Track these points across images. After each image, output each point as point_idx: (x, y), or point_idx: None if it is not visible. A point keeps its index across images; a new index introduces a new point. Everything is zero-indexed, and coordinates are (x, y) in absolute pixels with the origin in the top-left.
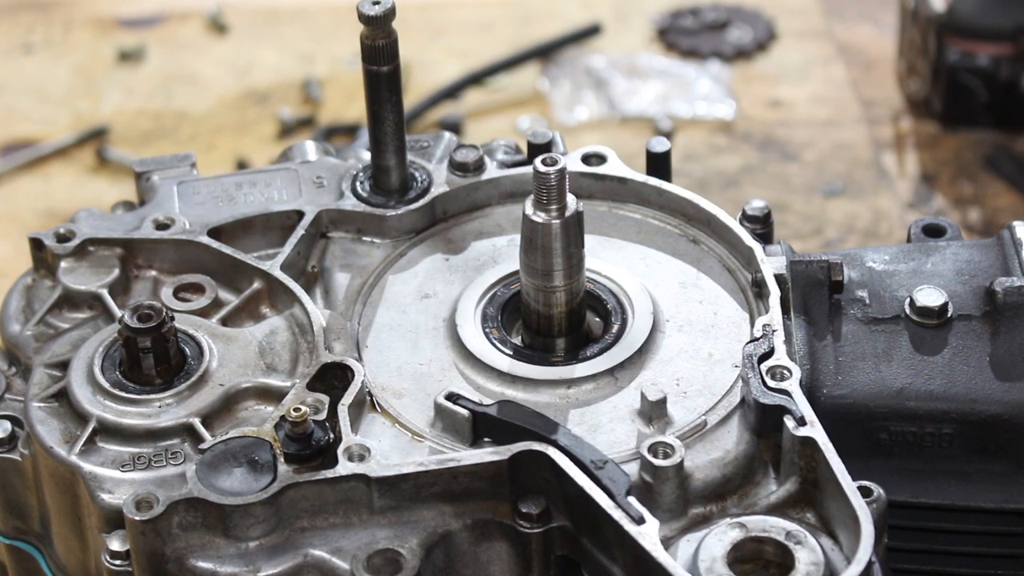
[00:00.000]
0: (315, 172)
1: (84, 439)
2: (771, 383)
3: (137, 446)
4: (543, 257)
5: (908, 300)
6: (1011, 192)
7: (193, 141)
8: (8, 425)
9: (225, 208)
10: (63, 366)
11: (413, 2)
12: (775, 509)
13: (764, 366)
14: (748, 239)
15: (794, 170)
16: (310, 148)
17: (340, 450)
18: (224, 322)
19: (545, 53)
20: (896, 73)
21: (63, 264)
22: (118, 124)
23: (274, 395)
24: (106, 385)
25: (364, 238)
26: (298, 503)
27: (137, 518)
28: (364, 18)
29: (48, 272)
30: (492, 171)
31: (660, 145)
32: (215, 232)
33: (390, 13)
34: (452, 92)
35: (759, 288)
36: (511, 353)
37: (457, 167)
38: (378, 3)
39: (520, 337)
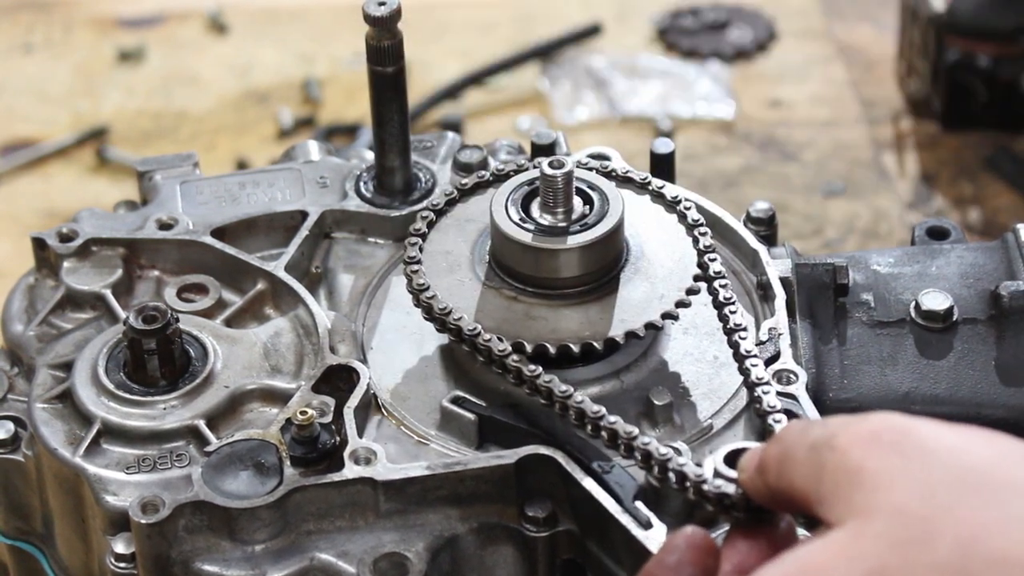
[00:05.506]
0: (318, 172)
1: (88, 441)
2: (777, 386)
3: (142, 448)
4: None
5: (913, 303)
6: (1011, 192)
7: (193, 141)
8: (11, 426)
9: (228, 208)
10: (67, 367)
11: (413, 2)
12: None
13: (770, 369)
14: (753, 241)
15: (794, 170)
16: (313, 148)
17: (346, 453)
18: (228, 323)
19: (545, 53)
20: (896, 73)
21: (66, 264)
22: (118, 124)
23: (279, 397)
24: (110, 386)
25: (368, 239)
26: (304, 506)
27: (143, 521)
28: (370, 19)
29: (51, 272)
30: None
31: (664, 146)
32: (218, 232)
33: (396, 14)
34: (452, 92)
35: (764, 291)
36: None
37: (461, 167)
38: (384, 4)
39: None
